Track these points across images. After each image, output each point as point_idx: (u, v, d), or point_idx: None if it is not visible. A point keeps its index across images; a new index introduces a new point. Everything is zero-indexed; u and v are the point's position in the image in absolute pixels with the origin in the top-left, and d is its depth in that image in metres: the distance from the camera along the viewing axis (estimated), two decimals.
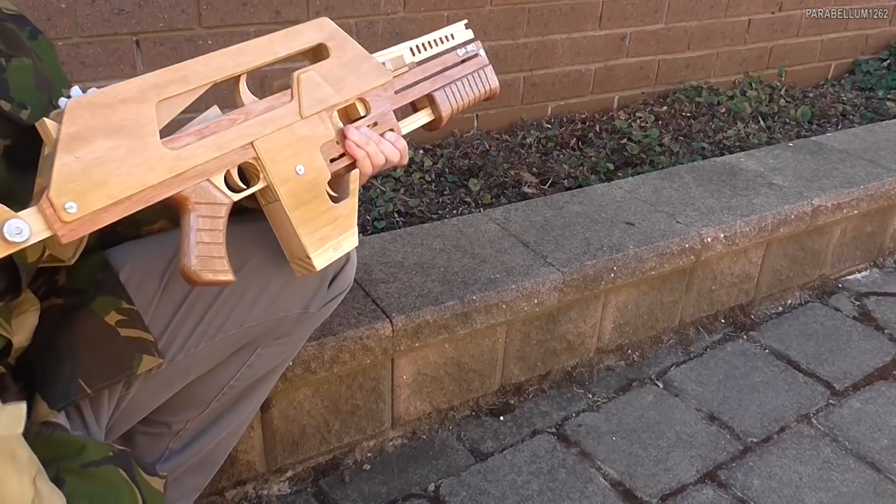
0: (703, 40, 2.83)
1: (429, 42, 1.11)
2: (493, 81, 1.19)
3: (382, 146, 1.01)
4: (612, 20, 2.58)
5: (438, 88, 1.11)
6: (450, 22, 2.27)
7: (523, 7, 2.38)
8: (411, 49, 1.08)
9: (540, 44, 2.48)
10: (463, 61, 1.16)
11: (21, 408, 0.65)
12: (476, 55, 1.18)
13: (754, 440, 1.64)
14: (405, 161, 1.05)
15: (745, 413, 1.72)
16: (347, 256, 1.13)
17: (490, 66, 1.19)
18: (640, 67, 2.74)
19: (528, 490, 1.49)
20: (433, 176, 2.22)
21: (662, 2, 2.65)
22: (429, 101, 1.12)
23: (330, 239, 0.96)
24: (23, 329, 0.86)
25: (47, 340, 0.87)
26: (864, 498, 1.51)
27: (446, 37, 1.13)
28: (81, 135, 0.74)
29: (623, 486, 1.51)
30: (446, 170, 2.25)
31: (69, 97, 0.75)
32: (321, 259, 0.95)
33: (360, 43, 1.01)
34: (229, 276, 0.86)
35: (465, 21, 1.19)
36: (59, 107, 0.76)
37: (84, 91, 0.77)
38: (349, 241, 0.98)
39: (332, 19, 1.04)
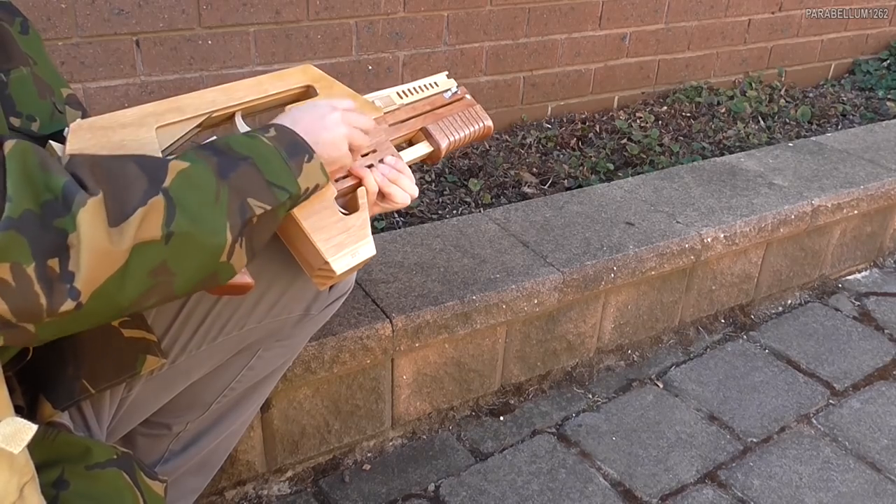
0: (703, 40, 2.83)
1: (414, 88, 1.17)
2: (486, 119, 1.25)
3: (383, 168, 1.04)
4: (612, 20, 2.58)
5: (431, 123, 1.17)
6: (450, 21, 2.27)
7: (523, 7, 2.38)
8: (398, 93, 1.14)
9: (540, 44, 2.48)
10: (450, 103, 1.21)
11: (25, 430, 0.66)
12: (463, 97, 1.23)
13: (754, 440, 1.64)
14: (410, 183, 1.07)
15: (745, 413, 1.72)
16: None
17: (479, 106, 1.25)
18: (640, 67, 2.74)
19: (528, 490, 1.49)
20: (433, 176, 2.22)
21: (662, 2, 2.65)
22: (425, 135, 1.17)
23: (346, 246, 0.97)
24: None
25: (51, 341, 0.87)
26: (864, 498, 1.51)
27: (430, 84, 1.20)
28: (86, 152, 0.76)
29: (623, 486, 1.51)
30: (446, 170, 2.25)
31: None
32: (340, 263, 0.96)
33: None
34: (247, 279, 0.86)
35: (447, 72, 1.27)
36: (62, 112, 0.77)
37: None
38: (366, 248, 0.99)
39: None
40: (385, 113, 1.11)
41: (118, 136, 0.79)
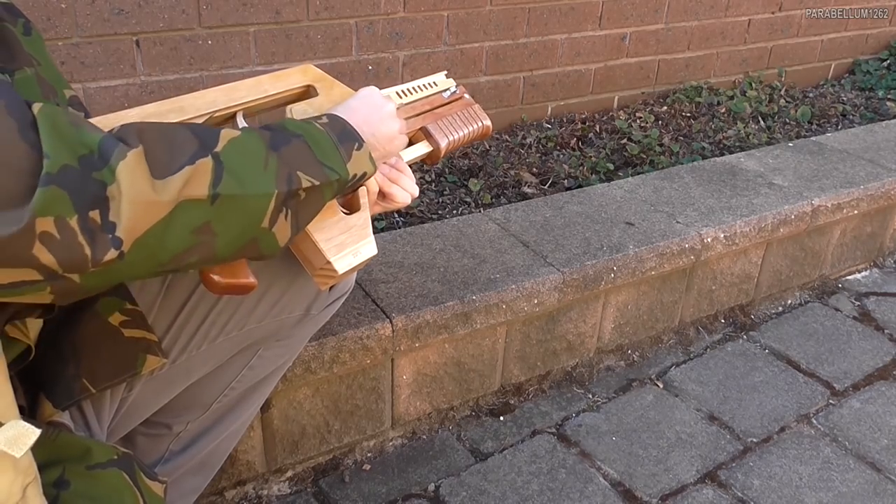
0: (703, 40, 2.83)
1: (413, 87, 1.17)
2: (485, 119, 1.25)
3: (383, 167, 1.05)
4: (612, 20, 2.58)
5: (431, 122, 1.17)
6: (450, 21, 2.27)
7: (523, 7, 2.38)
8: (397, 93, 1.14)
9: (540, 44, 2.48)
10: (449, 102, 1.21)
11: (28, 434, 0.66)
12: (462, 97, 1.24)
13: (754, 440, 1.64)
14: (410, 182, 1.08)
15: (745, 413, 1.72)
16: None
17: (478, 105, 1.25)
18: (640, 67, 2.74)
19: (528, 490, 1.49)
20: (433, 176, 2.22)
21: (662, 2, 2.65)
22: (424, 134, 1.17)
23: (347, 246, 0.97)
24: (30, 331, 0.86)
25: (52, 341, 0.88)
26: (864, 498, 1.51)
27: (429, 84, 1.20)
28: None
29: (623, 486, 1.51)
30: (446, 170, 2.25)
31: None
32: (342, 263, 0.96)
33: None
34: (250, 279, 0.86)
35: (446, 71, 1.26)
36: None
37: None
38: (367, 248, 1.00)
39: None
40: None
41: None
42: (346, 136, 0.86)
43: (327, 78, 1.03)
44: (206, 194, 0.69)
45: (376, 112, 0.94)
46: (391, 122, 0.96)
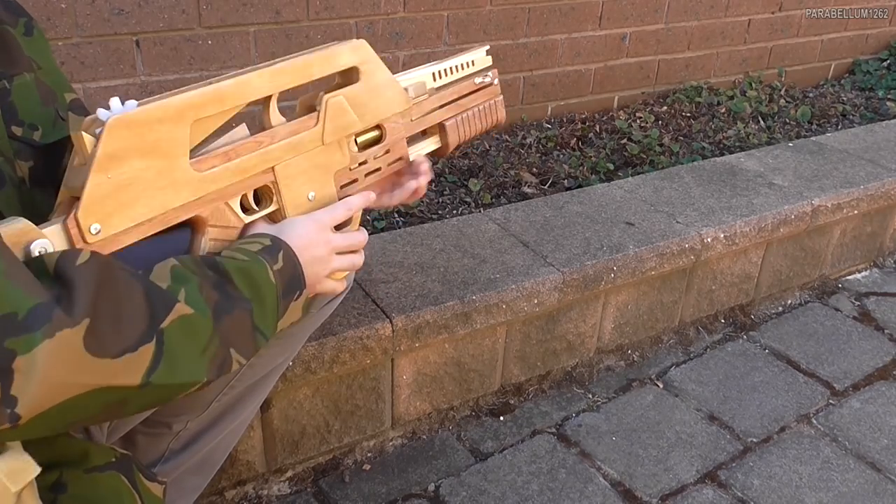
0: (703, 40, 2.83)
1: (450, 68, 1.14)
2: (501, 113, 1.23)
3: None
4: (612, 20, 2.58)
5: (450, 118, 1.15)
6: (450, 21, 2.27)
7: (523, 7, 2.38)
8: (433, 74, 1.12)
9: (540, 44, 2.48)
10: (478, 90, 1.19)
11: (29, 470, 0.65)
12: (491, 84, 1.21)
13: (754, 440, 1.64)
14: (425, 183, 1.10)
15: (745, 413, 1.72)
16: None
17: (501, 98, 1.23)
18: (640, 67, 2.74)
19: (528, 490, 1.49)
20: (433, 176, 2.22)
21: (662, 2, 2.65)
22: (439, 128, 1.15)
23: None
24: None
25: None
26: (864, 498, 1.51)
27: (467, 63, 1.17)
28: (118, 154, 0.75)
29: (623, 486, 1.51)
30: (446, 170, 2.25)
31: (108, 108, 0.75)
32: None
33: None
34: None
35: (488, 47, 1.22)
36: (64, 119, 0.75)
37: (122, 102, 0.77)
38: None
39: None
40: (413, 104, 1.09)
41: (154, 135, 0.77)
42: (292, 285, 0.83)
43: (374, 59, 1.00)
44: (137, 383, 0.65)
45: (307, 250, 0.89)
46: (319, 266, 0.90)
